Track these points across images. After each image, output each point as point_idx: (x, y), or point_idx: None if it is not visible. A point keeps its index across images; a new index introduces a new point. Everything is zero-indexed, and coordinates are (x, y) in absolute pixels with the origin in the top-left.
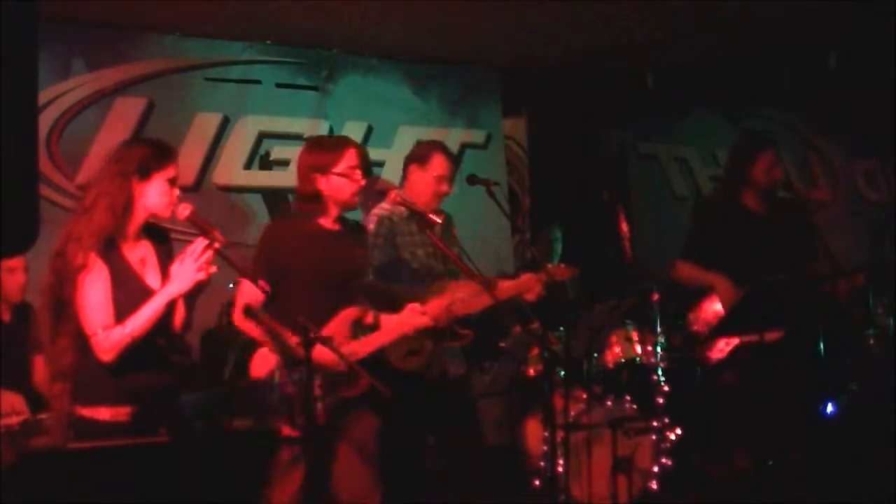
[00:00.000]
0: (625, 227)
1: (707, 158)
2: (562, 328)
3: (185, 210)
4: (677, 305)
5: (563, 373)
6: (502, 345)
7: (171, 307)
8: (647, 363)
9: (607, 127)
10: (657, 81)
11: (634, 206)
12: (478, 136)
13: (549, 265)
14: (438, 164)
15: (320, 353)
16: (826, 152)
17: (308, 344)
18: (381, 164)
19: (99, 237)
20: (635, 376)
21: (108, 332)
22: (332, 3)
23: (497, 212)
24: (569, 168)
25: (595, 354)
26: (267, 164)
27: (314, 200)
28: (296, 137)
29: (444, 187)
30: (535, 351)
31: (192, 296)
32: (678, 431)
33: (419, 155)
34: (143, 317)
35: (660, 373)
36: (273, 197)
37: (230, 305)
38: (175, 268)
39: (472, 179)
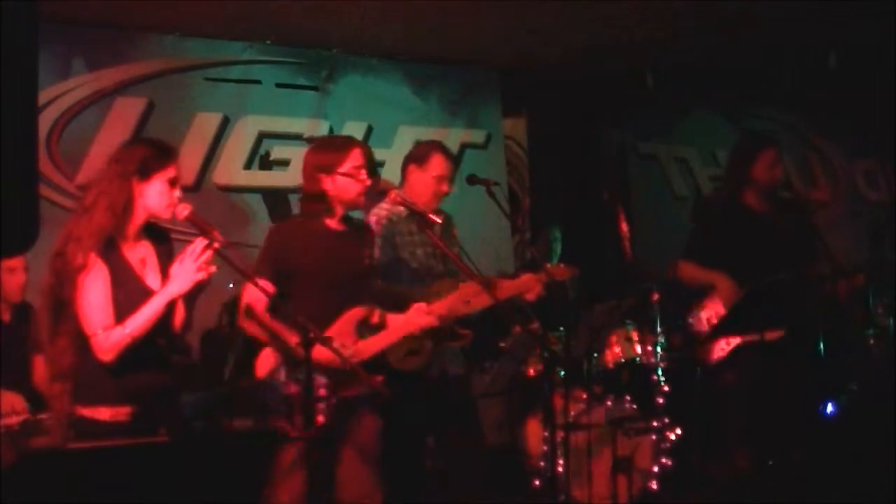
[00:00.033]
0: (625, 227)
1: (707, 158)
2: (562, 328)
3: (184, 210)
4: (677, 305)
5: (563, 373)
6: (502, 345)
7: (171, 307)
8: (647, 363)
9: (607, 127)
10: (657, 81)
11: (634, 206)
12: (478, 136)
13: (549, 265)
14: (437, 164)
15: (324, 353)
16: (826, 152)
17: (308, 344)
18: (381, 164)
19: (99, 237)
20: (635, 376)
21: (108, 332)
22: (332, 3)
23: (497, 212)
24: (569, 168)
25: (595, 354)
26: (267, 164)
27: (319, 200)
28: (296, 137)
29: (444, 187)
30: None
31: (192, 296)
32: (678, 431)
33: (418, 155)
34: (142, 317)
35: (660, 373)
36: (273, 197)
37: (233, 305)
38: (175, 268)
39: (472, 179)
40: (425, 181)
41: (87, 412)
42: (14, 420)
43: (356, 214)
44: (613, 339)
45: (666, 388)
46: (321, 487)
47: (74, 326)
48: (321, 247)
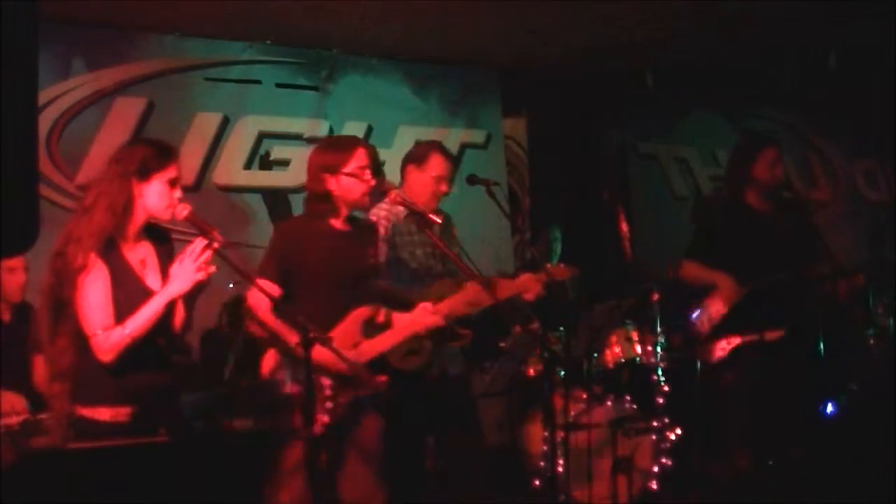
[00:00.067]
0: (625, 227)
1: (707, 158)
2: (562, 328)
3: (183, 210)
4: (678, 305)
5: (563, 373)
6: (502, 345)
7: (170, 307)
8: (647, 363)
9: (607, 127)
10: (657, 81)
11: (634, 206)
12: (478, 136)
13: (549, 265)
14: (436, 164)
15: (329, 354)
16: (826, 152)
17: (307, 344)
18: (381, 164)
19: (99, 238)
20: (635, 376)
21: (108, 332)
22: (332, 3)
23: (497, 212)
24: (569, 168)
25: (595, 354)
26: (267, 164)
27: (324, 200)
28: (296, 137)
29: (443, 187)
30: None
31: (191, 296)
32: (678, 431)
33: (417, 155)
34: (142, 317)
35: (660, 373)
36: (273, 197)
37: (233, 305)
38: (174, 268)
39: (472, 179)
40: (424, 181)
41: (87, 412)
42: (14, 420)
43: (357, 214)
44: (613, 339)
45: (666, 388)
46: (324, 488)
47: (74, 326)
48: (326, 247)
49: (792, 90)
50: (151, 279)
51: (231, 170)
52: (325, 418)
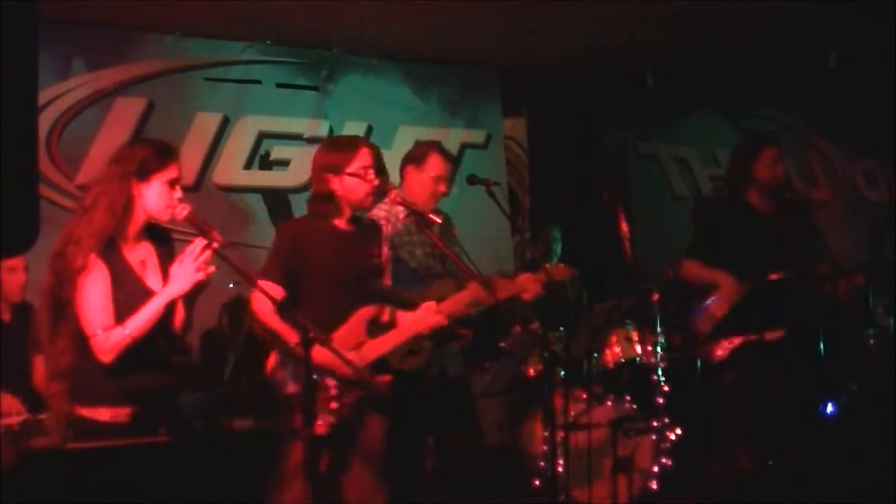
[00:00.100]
0: (625, 227)
1: (707, 158)
2: (562, 328)
3: (183, 210)
4: (679, 304)
5: (563, 373)
6: (502, 345)
7: (170, 308)
8: (647, 363)
9: (607, 127)
10: (657, 81)
11: (634, 206)
12: (478, 136)
13: (548, 265)
14: (435, 164)
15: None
16: (826, 152)
17: (307, 344)
18: None
19: (99, 238)
20: (635, 376)
21: (108, 332)
22: (332, 3)
23: (497, 212)
24: (569, 168)
25: (595, 354)
26: (267, 164)
27: (327, 200)
28: (296, 137)
29: (442, 188)
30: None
31: (191, 296)
32: (678, 431)
33: (416, 156)
34: (142, 318)
35: (660, 373)
36: (273, 197)
37: (233, 306)
38: (174, 269)
39: (472, 179)
40: (423, 182)
41: (86, 413)
42: (14, 420)
43: (359, 214)
44: (613, 339)
45: (666, 388)
46: (327, 488)
47: (74, 327)
48: (330, 247)
49: (792, 90)
50: (152, 279)
51: (231, 170)
52: (331, 419)
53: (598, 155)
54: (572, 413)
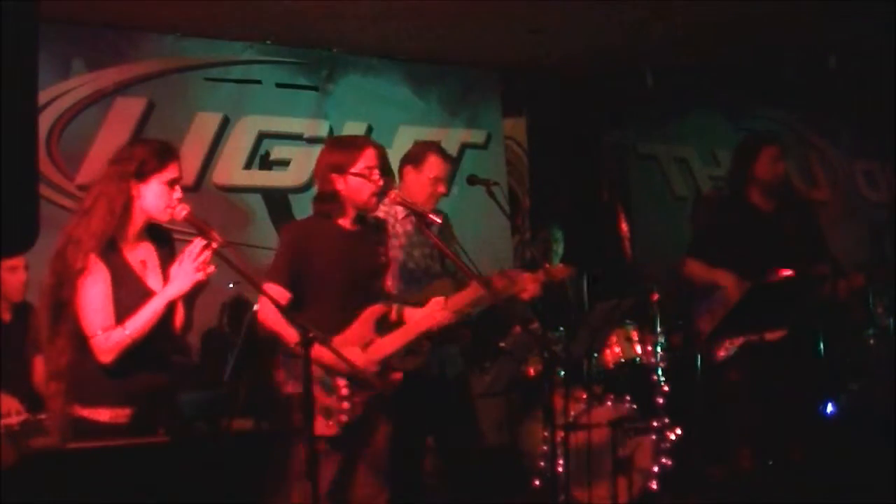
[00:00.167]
0: (625, 227)
1: (707, 158)
2: (562, 328)
3: (182, 211)
4: (680, 304)
5: (563, 373)
6: (502, 345)
7: (171, 308)
8: (647, 363)
9: (607, 127)
10: (657, 81)
11: (634, 206)
12: (478, 136)
13: (549, 265)
14: (434, 165)
15: (344, 354)
16: (826, 152)
17: (307, 344)
18: None
19: (99, 239)
20: (635, 376)
21: (108, 333)
22: (332, 3)
23: (497, 212)
24: (569, 168)
25: (595, 354)
26: (267, 164)
27: (332, 200)
28: (296, 137)
29: (441, 188)
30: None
31: (191, 296)
32: (678, 431)
33: (414, 156)
34: (142, 318)
35: (660, 373)
36: (273, 197)
37: (233, 305)
38: (174, 269)
39: (472, 179)
40: (421, 182)
41: (86, 413)
42: (14, 420)
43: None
44: (613, 339)
45: (666, 388)
46: (338, 489)
47: (73, 327)
48: (336, 248)
49: (792, 90)
50: (152, 280)
51: (231, 170)
52: (343, 418)
53: (598, 155)
54: (572, 413)
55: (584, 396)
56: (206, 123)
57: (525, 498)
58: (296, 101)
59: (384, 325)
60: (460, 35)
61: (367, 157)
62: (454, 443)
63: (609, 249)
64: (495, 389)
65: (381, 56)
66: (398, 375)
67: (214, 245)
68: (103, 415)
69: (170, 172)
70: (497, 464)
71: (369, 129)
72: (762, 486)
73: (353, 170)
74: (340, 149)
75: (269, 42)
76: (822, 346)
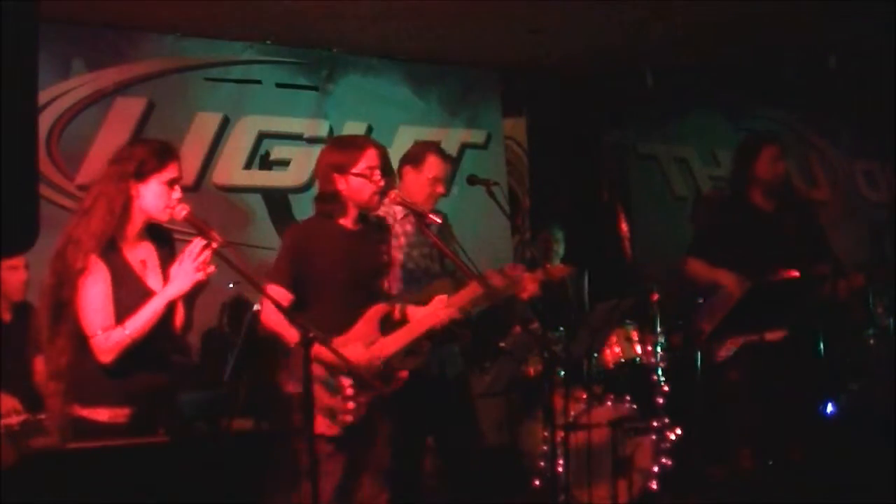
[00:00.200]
0: (625, 227)
1: (707, 158)
2: (562, 328)
3: (182, 211)
4: (682, 304)
5: (563, 373)
6: (502, 345)
7: (171, 308)
8: (647, 363)
9: (607, 127)
10: (657, 81)
11: (634, 206)
12: (478, 136)
13: (549, 265)
14: (433, 165)
15: (349, 353)
16: (826, 152)
17: (307, 343)
18: None
19: (99, 239)
20: (635, 376)
21: (108, 333)
22: (332, 3)
23: (497, 212)
24: (569, 168)
25: (595, 354)
26: (267, 164)
27: (333, 200)
28: (296, 137)
29: (440, 189)
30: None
31: (191, 296)
32: (678, 431)
33: (413, 156)
34: (142, 318)
35: (660, 373)
36: (273, 197)
37: (233, 305)
38: (174, 269)
39: (472, 179)
40: (421, 182)
41: (85, 413)
42: (14, 420)
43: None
44: (613, 339)
45: (666, 388)
46: (345, 490)
47: (73, 327)
48: (339, 248)
49: (792, 90)
50: (152, 279)
51: (231, 170)
52: (347, 418)
53: (598, 155)
54: (572, 413)
55: (584, 396)
56: (206, 123)
57: (525, 498)
58: (296, 101)
59: (388, 324)
60: (460, 35)
61: (369, 158)
62: (454, 443)
63: (609, 249)
64: (495, 389)
65: (381, 56)
66: (404, 374)
67: (214, 245)
68: (102, 414)
69: (169, 172)
70: (497, 464)
71: (369, 129)
72: (762, 486)
73: (354, 170)
74: (342, 149)
75: (269, 42)
76: (822, 346)
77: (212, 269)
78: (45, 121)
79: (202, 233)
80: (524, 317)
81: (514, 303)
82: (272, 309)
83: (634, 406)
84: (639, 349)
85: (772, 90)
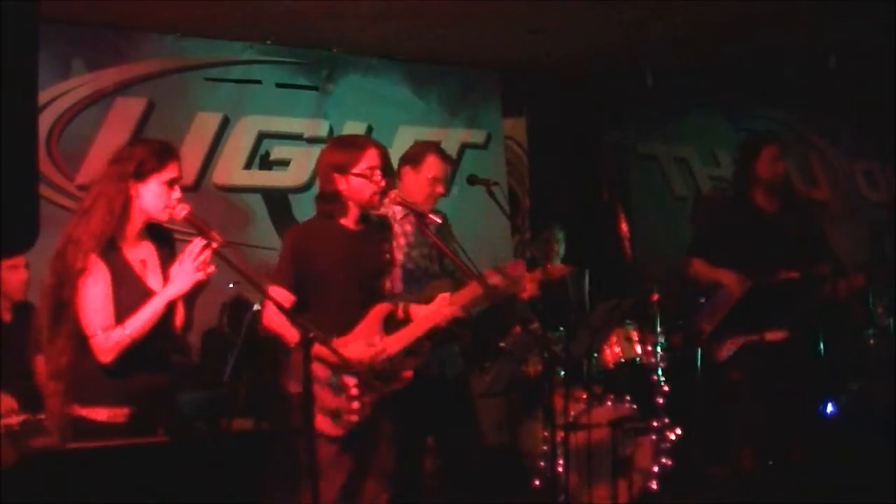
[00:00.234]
0: (625, 227)
1: (707, 158)
2: (562, 328)
3: (181, 210)
4: (683, 303)
5: (563, 373)
6: (502, 345)
7: (171, 308)
8: (647, 363)
9: (607, 127)
10: (657, 81)
11: (634, 206)
12: (478, 136)
13: (549, 265)
14: (432, 165)
15: (354, 354)
16: (826, 152)
17: (307, 343)
18: None
19: (98, 239)
20: (635, 376)
21: (108, 332)
22: (332, 3)
23: (497, 212)
24: (569, 168)
25: (595, 354)
26: (267, 164)
27: (334, 200)
28: (296, 137)
29: (439, 189)
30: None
31: (191, 296)
32: (678, 431)
33: (412, 156)
34: (142, 318)
35: (660, 373)
36: (273, 197)
37: (233, 305)
38: (174, 269)
39: (472, 179)
40: (420, 183)
41: (84, 412)
42: (14, 420)
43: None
44: (613, 339)
45: (666, 388)
46: (351, 492)
47: (73, 327)
48: (340, 248)
49: (792, 90)
50: (152, 279)
51: (231, 170)
52: (353, 418)
53: (598, 155)
54: (572, 413)
55: (584, 396)
56: (206, 123)
57: (525, 498)
58: (296, 101)
59: (391, 323)
60: (460, 35)
61: (370, 158)
62: (454, 443)
63: (609, 249)
64: (495, 389)
65: (381, 56)
66: (408, 373)
67: (214, 245)
68: (102, 414)
69: (169, 172)
70: (497, 464)
71: (369, 129)
72: (762, 486)
73: (354, 170)
74: (342, 149)
75: (269, 42)
76: (822, 346)
77: (212, 269)
78: (45, 121)
79: (202, 233)
80: (524, 317)
81: (514, 303)
82: (274, 310)
83: (634, 406)
84: (639, 349)
85: (772, 90)
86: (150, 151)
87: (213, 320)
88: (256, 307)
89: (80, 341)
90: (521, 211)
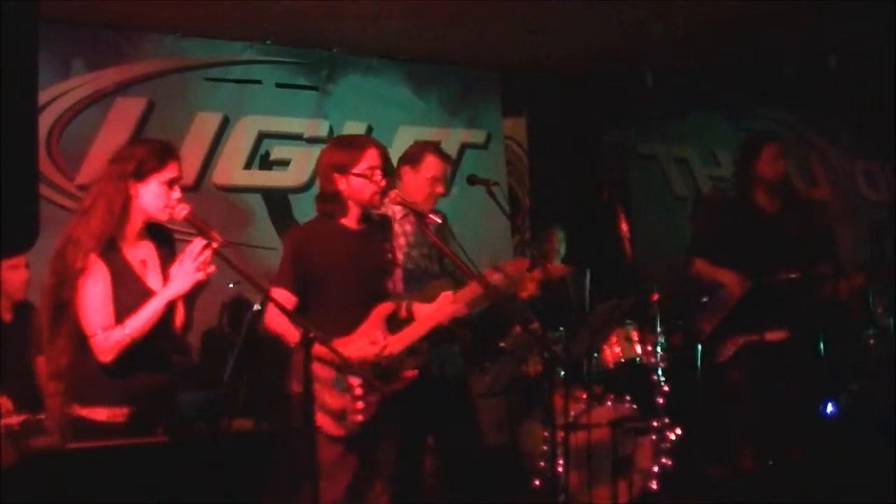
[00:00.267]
0: (625, 227)
1: (707, 158)
2: (562, 328)
3: (181, 210)
4: (684, 303)
5: (563, 373)
6: (502, 345)
7: (171, 308)
8: (647, 363)
9: (607, 127)
10: (657, 81)
11: (634, 206)
12: (478, 136)
13: (549, 265)
14: (431, 165)
15: (357, 353)
16: (826, 152)
17: (307, 343)
18: None
19: (98, 239)
20: (635, 376)
21: (108, 332)
22: (332, 3)
23: (497, 212)
24: (569, 168)
25: (595, 354)
26: (267, 164)
27: (334, 200)
28: (296, 137)
29: (438, 189)
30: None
31: (191, 296)
32: (678, 431)
33: (412, 156)
34: (142, 318)
35: (660, 373)
36: (273, 197)
37: (233, 305)
38: (174, 269)
39: (472, 179)
40: (419, 182)
41: (84, 412)
42: (14, 420)
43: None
44: (613, 339)
45: (666, 388)
46: (355, 493)
47: (73, 327)
48: (342, 248)
49: (792, 90)
50: (152, 279)
51: (231, 170)
52: (358, 418)
53: (598, 155)
54: (572, 413)
55: (584, 396)
56: (206, 123)
57: (525, 498)
58: (296, 101)
59: (394, 323)
60: (460, 35)
61: (370, 158)
62: (454, 443)
63: (609, 249)
64: (495, 389)
65: (381, 56)
66: (411, 373)
67: (214, 245)
68: (100, 414)
69: (169, 172)
70: (497, 464)
71: (369, 129)
72: (762, 486)
73: (355, 170)
74: (343, 148)
75: (269, 42)
76: (822, 346)
77: (212, 269)
78: (45, 121)
79: (202, 233)
80: (524, 317)
81: (514, 303)
82: (275, 311)
83: (634, 406)
84: (639, 349)
85: (772, 90)
86: (150, 151)
87: (213, 320)
88: (256, 307)
89: (80, 341)
90: (521, 211)
